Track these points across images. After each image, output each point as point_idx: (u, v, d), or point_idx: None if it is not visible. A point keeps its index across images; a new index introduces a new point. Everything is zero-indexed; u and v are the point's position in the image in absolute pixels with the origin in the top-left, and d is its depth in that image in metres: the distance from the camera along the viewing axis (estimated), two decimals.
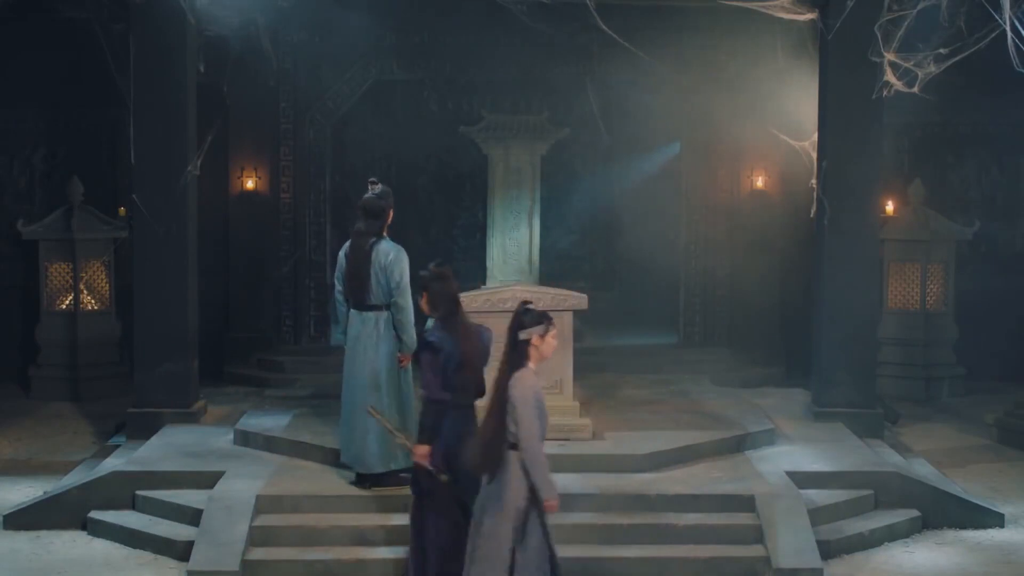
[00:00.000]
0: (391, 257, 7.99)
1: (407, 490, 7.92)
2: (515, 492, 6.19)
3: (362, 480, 8.11)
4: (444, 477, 6.62)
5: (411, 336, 8.00)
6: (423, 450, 6.69)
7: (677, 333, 13.25)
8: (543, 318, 6.38)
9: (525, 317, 6.35)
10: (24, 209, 12.93)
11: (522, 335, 6.30)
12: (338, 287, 8.26)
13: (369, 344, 8.04)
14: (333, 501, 7.96)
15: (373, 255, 8.00)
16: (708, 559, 7.54)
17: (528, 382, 6.25)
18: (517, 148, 12.85)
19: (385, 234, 8.12)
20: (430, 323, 7.00)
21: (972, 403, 12.13)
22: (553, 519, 7.71)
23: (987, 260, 13.41)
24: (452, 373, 6.69)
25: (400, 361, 8.06)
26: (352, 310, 8.14)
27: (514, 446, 6.19)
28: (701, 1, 11.19)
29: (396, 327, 8.03)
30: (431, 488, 6.74)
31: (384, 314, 8.03)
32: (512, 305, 8.78)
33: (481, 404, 6.55)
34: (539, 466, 6.18)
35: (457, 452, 6.54)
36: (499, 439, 6.20)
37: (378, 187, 8.17)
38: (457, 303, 6.94)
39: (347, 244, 8.23)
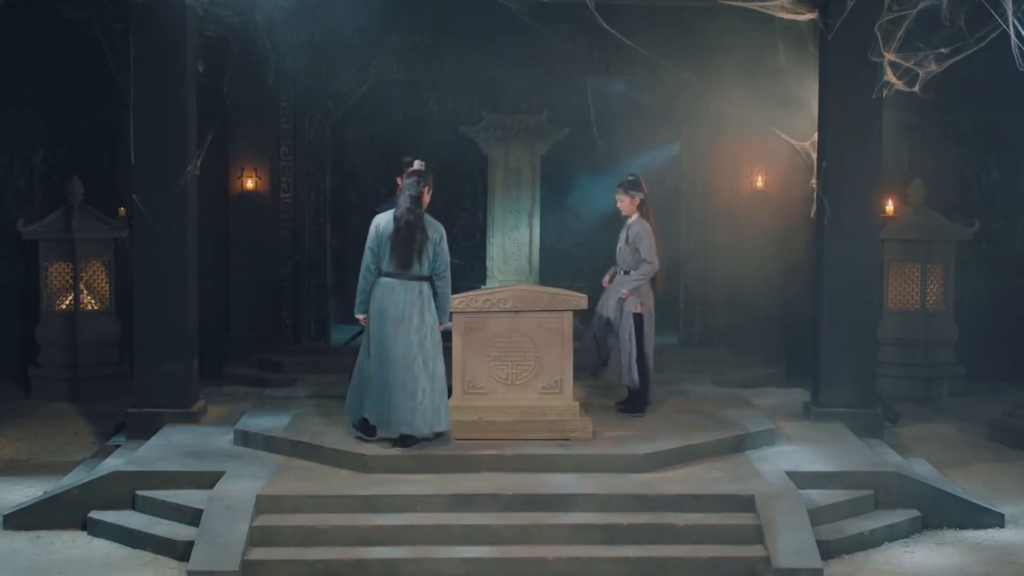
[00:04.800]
0: (442, 232, 8.67)
1: (409, 488, 7.98)
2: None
3: (406, 441, 8.53)
4: None
5: (450, 305, 8.72)
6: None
7: (677, 333, 13.25)
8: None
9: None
10: (24, 209, 12.93)
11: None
12: (370, 258, 8.62)
13: (415, 311, 8.53)
14: (333, 501, 7.95)
15: (427, 228, 8.60)
16: (708, 559, 7.53)
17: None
18: (517, 148, 12.87)
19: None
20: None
21: (972, 403, 12.14)
22: (553, 519, 7.75)
23: (987, 260, 13.41)
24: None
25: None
26: (391, 279, 8.54)
27: None
28: (701, 1, 11.20)
29: (439, 297, 8.63)
30: None
31: (426, 284, 8.58)
32: (512, 305, 8.89)
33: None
34: None
35: None
36: None
37: (417, 163, 8.99)
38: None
39: (388, 215, 8.67)
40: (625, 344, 9.63)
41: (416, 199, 8.64)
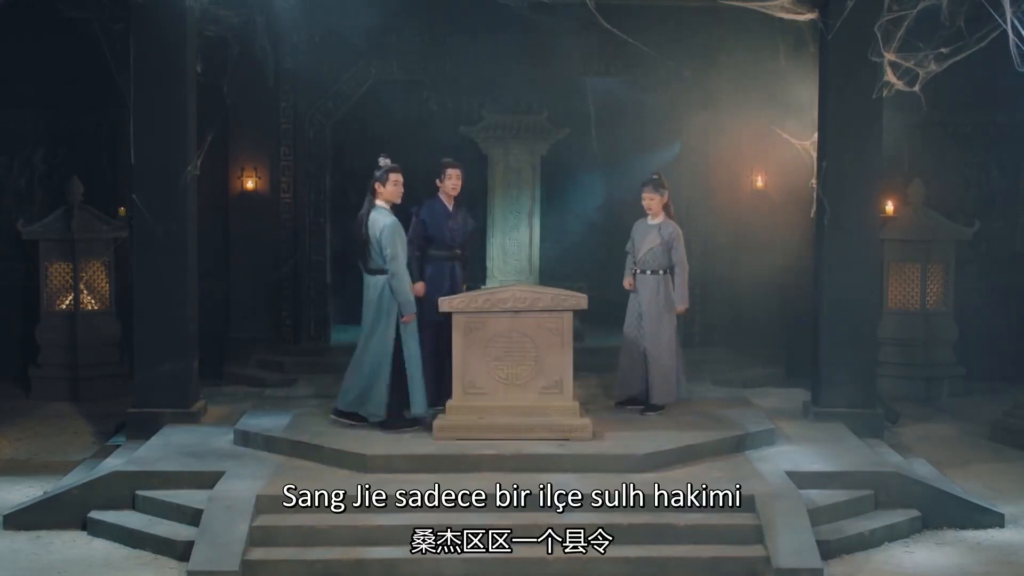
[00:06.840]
0: (384, 226, 8.87)
1: (407, 486, 7.97)
2: None
3: (417, 422, 9.05)
4: None
5: (406, 297, 8.93)
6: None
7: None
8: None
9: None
10: (24, 209, 12.94)
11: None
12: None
13: (376, 304, 8.99)
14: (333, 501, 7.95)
15: (369, 224, 8.93)
16: (708, 559, 7.53)
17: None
18: (517, 148, 12.87)
19: (378, 204, 9.00)
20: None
21: (972, 403, 12.14)
22: (553, 519, 7.74)
23: (987, 260, 13.41)
24: None
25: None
26: (365, 275, 9.06)
27: None
28: (701, 1, 11.20)
29: (391, 290, 8.91)
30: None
31: (384, 277, 8.96)
32: (512, 305, 8.90)
33: None
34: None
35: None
36: None
37: (380, 161, 9.13)
38: None
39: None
40: (669, 359, 9.87)
41: (368, 198, 9.02)
